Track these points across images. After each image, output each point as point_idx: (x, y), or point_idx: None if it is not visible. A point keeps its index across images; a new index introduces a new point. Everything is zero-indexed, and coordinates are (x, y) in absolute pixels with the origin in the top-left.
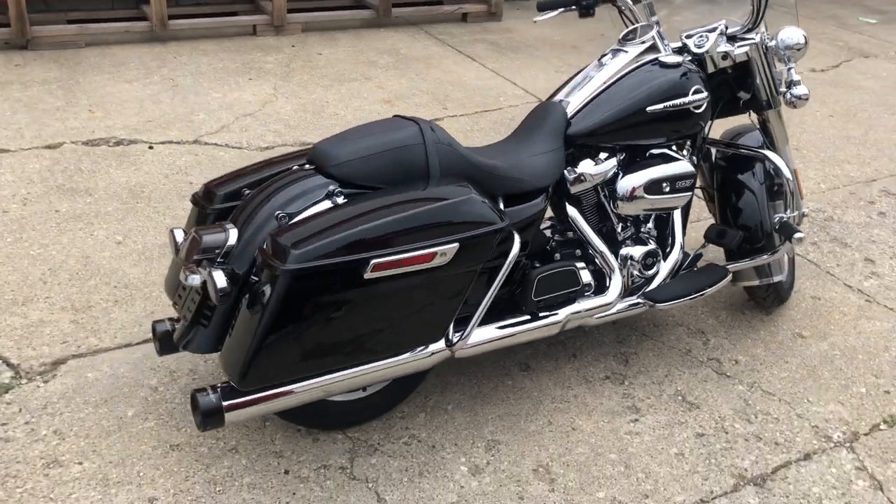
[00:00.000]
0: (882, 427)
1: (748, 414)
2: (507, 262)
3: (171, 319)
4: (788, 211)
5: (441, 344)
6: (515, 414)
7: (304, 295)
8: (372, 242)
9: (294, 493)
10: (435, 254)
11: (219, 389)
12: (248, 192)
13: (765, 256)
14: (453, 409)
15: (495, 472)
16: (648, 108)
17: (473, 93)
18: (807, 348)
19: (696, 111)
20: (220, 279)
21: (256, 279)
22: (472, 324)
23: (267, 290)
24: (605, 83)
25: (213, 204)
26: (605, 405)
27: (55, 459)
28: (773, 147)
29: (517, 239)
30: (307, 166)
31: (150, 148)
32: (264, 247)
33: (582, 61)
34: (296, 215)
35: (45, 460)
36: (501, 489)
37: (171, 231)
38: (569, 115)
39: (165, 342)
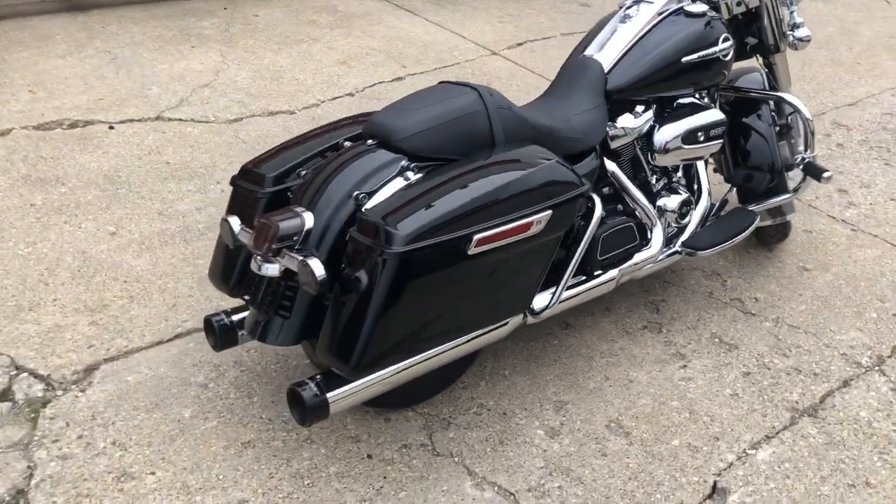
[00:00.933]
0: None
1: (782, 349)
2: (592, 224)
3: (225, 312)
4: (809, 151)
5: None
6: (572, 373)
7: (411, 276)
8: (473, 217)
9: (385, 477)
10: (532, 223)
11: (318, 382)
12: (304, 172)
13: (787, 195)
14: (511, 373)
15: (571, 432)
16: (684, 59)
17: (426, 49)
18: (814, 280)
19: (725, 59)
20: (319, 268)
21: (348, 264)
22: (559, 289)
23: (370, 274)
24: (636, 36)
25: (263, 187)
26: (651, 354)
27: (124, 472)
28: (777, 89)
29: (598, 200)
30: (369, 142)
31: (111, 128)
32: (357, 229)
33: (521, 10)
34: (373, 194)
35: (115, 474)
36: (583, 448)
37: (225, 220)
38: (605, 70)
39: (226, 336)
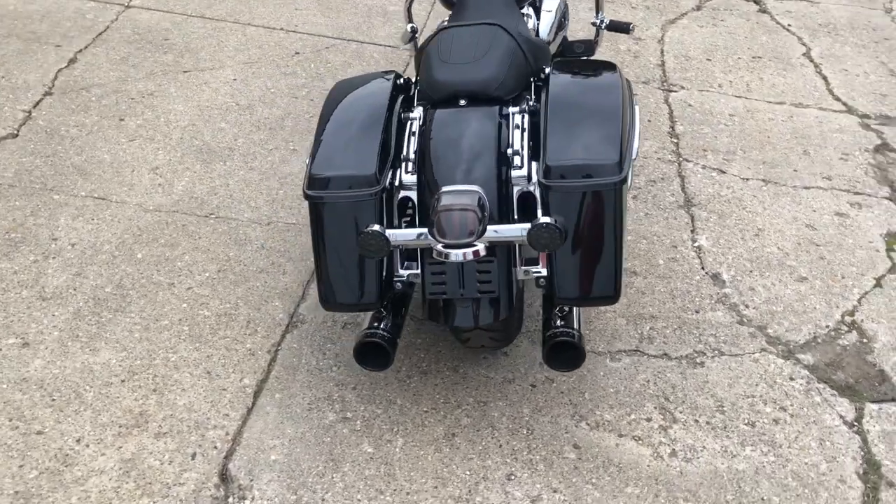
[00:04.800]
0: None
1: None
2: None
3: (371, 331)
4: (601, 13)
5: None
6: None
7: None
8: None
9: None
10: None
11: (571, 329)
12: (412, 154)
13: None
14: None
15: None
16: None
17: None
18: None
19: None
20: (548, 219)
21: (564, 211)
22: None
23: (599, 208)
24: None
25: (376, 185)
26: None
27: None
28: None
29: None
30: (462, 102)
31: None
32: (556, 177)
33: None
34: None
35: None
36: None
37: (373, 231)
38: None
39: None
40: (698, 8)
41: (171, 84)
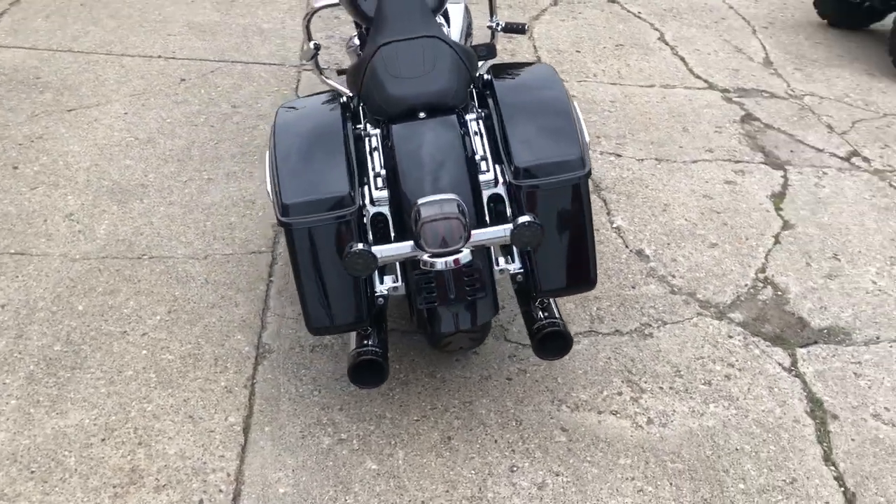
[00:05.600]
0: None
1: None
2: None
3: (362, 349)
4: (495, 17)
5: None
6: None
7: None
8: None
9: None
10: None
11: (557, 320)
12: (380, 172)
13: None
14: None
15: None
16: None
17: None
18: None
19: None
20: (528, 217)
21: (536, 208)
22: None
23: (571, 201)
24: None
25: (351, 206)
26: None
27: None
28: None
29: None
30: (421, 115)
31: None
32: (529, 176)
33: None
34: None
35: None
36: None
37: (360, 251)
38: None
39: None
40: (555, 3)
41: (59, 124)
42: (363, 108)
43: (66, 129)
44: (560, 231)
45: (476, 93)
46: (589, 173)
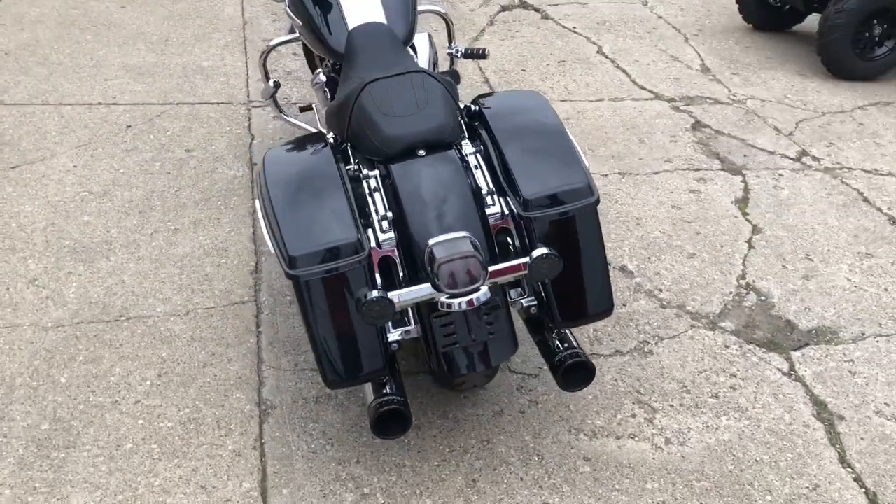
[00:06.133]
0: None
1: None
2: None
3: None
4: (454, 43)
5: None
6: None
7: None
8: None
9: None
10: None
11: (578, 350)
12: (384, 213)
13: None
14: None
15: None
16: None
17: None
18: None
19: None
20: (545, 249)
21: (548, 239)
22: None
23: (582, 230)
24: None
25: (361, 251)
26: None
27: None
28: None
29: None
30: (420, 153)
31: None
32: (537, 208)
33: None
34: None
35: None
36: None
37: (380, 298)
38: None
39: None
40: (492, 23)
41: (4, 183)
42: (351, 149)
43: (12, 188)
44: (575, 260)
45: (465, 124)
46: (598, 200)
